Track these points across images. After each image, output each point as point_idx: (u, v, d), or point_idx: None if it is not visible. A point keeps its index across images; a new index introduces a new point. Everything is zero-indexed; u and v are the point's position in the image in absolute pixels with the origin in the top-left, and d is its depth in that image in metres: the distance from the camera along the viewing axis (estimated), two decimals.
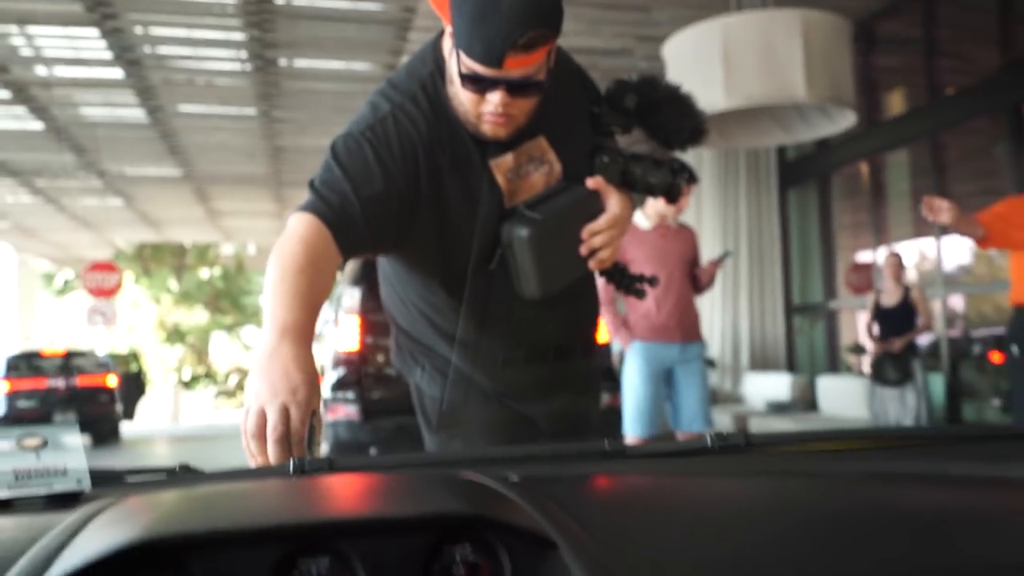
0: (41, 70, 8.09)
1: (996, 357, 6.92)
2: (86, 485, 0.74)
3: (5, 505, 0.73)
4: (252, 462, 1.00)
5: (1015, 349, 3.79)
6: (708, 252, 5.48)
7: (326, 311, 5.14)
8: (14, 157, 11.13)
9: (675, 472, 0.88)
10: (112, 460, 10.06)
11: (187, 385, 22.17)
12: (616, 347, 5.22)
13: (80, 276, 14.32)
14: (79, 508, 0.65)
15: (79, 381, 12.14)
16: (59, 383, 12.01)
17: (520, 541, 0.60)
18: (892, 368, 5.81)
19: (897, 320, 5.85)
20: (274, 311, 1.11)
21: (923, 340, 6.29)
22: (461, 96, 1.32)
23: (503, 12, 1.18)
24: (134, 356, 16.25)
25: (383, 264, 1.61)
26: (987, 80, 6.52)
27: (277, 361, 1.03)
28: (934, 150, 6.98)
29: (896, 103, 8.07)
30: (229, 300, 23.07)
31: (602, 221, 1.41)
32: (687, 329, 4.11)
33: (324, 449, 5.33)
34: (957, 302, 7.88)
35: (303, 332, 1.09)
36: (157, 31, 7.28)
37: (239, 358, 23.37)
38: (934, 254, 7.17)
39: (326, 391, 5.34)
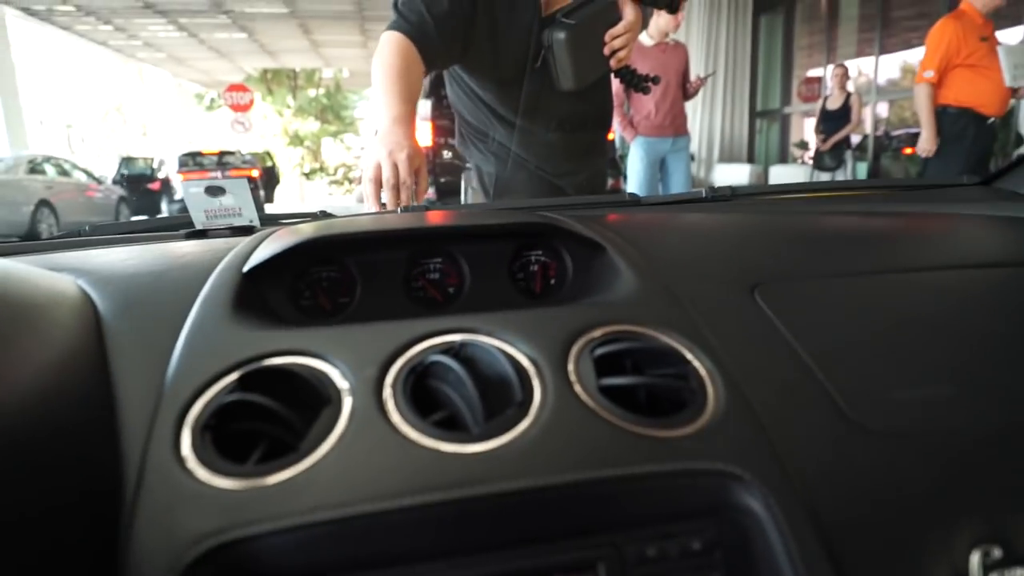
0: None
1: (908, 151, 6.65)
2: (256, 222, 0.75)
3: (201, 234, 0.74)
4: (370, 204, 1.00)
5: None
6: (694, 68, 5.15)
7: None
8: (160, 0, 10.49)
9: (679, 213, 0.87)
10: None
11: (307, 176, 22.12)
12: (618, 142, 5.06)
13: (221, 95, 13.94)
14: (254, 235, 0.66)
15: (232, 173, 12.15)
16: (217, 175, 11.99)
17: (579, 246, 0.60)
18: (829, 158, 5.62)
19: (838, 119, 5.59)
20: (387, 104, 1.08)
21: (855, 137, 6.03)
22: None
23: None
24: (268, 155, 16.01)
25: (454, 70, 1.52)
26: None
27: (391, 136, 1.01)
28: None
29: None
30: (332, 113, 22.51)
31: (620, 27, 1.30)
32: (678, 127, 3.95)
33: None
34: (883, 109, 7.45)
35: (407, 119, 1.07)
36: None
37: (343, 157, 23.16)
38: (871, 70, 6.70)
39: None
